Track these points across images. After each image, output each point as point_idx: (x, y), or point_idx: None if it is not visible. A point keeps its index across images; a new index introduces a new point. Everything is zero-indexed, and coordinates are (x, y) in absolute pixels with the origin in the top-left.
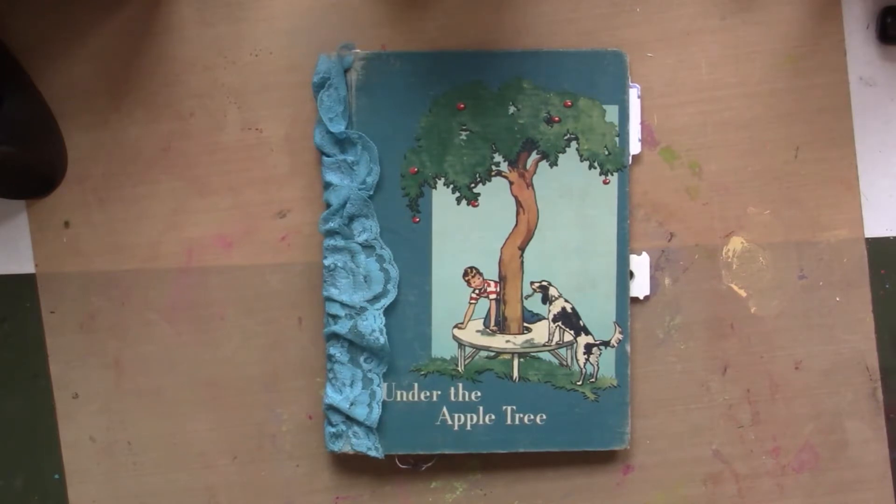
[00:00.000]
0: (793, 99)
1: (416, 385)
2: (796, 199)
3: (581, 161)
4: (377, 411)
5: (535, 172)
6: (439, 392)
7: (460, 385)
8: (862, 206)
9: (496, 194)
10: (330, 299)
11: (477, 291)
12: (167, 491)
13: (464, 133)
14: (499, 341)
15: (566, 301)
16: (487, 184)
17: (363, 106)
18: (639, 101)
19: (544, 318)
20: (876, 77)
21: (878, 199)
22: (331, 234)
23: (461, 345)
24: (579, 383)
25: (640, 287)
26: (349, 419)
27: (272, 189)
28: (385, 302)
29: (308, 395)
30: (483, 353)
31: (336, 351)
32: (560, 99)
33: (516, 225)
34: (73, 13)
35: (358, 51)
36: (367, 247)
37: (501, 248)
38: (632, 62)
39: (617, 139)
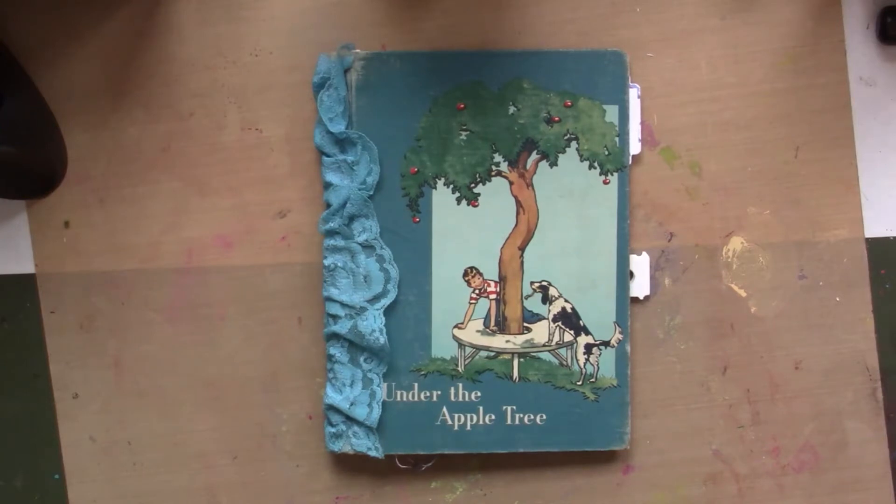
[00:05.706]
0: (793, 99)
1: (416, 385)
2: (796, 199)
3: (581, 161)
4: (377, 411)
5: (535, 172)
6: (439, 392)
7: (460, 385)
8: (862, 206)
9: (496, 194)
10: (330, 299)
11: (477, 291)
12: (167, 491)
13: (464, 133)
14: (499, 341)
15: (566, 301)
16: (487, 184)
17: (363, 106)
18: (639, 101)
19: (544, 318)
20: (876, 77)
21: (878, 199)
22: (331, 234)
23: (461, 345)
24: (579, 383)
25: (640, 287)
26: (349, 419)
27: (272, 189)
28: (385, 302)
29: (308, 395)
30: (483, 353)
31: (336, 351)
32: (560, 99)
33: (516, 225)
34: (73, 13)
35: (358, 51)
36: (367, 247)
37: (501, 248)
38: (632, 62)
39: (617, 139)
